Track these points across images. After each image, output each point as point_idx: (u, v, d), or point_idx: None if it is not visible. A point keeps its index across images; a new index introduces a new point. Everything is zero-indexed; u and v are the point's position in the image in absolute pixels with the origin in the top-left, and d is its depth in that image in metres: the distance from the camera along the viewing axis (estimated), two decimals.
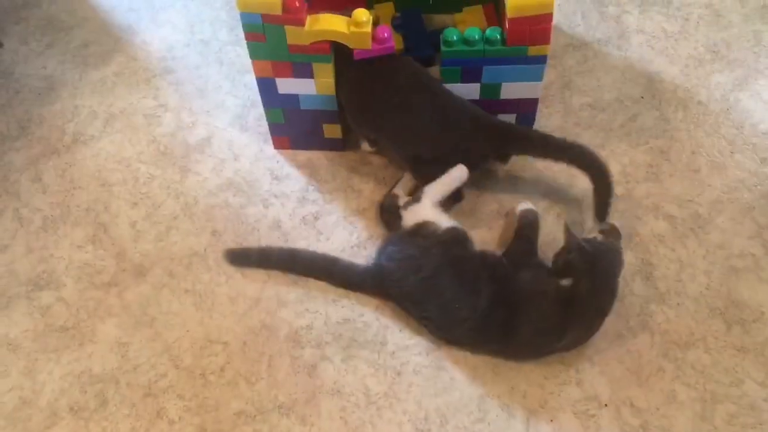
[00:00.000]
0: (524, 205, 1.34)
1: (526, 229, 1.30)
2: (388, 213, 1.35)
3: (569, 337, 1.19)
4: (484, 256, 1.26)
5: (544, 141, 1.31)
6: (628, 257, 1.31)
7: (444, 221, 1.28)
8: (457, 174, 1.30)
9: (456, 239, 1.27)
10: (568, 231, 1.21)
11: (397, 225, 1.32)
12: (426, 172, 1.33)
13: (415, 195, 1.32)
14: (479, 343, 1.23)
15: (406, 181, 1.39)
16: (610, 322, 1.25)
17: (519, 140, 1.33)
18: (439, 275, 1.22)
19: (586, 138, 1.47)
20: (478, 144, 1.31)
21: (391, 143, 1.37)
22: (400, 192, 1.38)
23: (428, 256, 1.24)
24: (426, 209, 1.29)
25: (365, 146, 1.44)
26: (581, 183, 1.40)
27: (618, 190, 1.40)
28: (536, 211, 1.33)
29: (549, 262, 1.24)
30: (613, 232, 1.25)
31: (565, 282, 1.18)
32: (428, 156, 1.32)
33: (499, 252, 1.29)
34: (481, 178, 1.42)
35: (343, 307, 1.29)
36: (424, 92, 1.30)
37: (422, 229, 1.27)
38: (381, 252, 1.30)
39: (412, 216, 1.29)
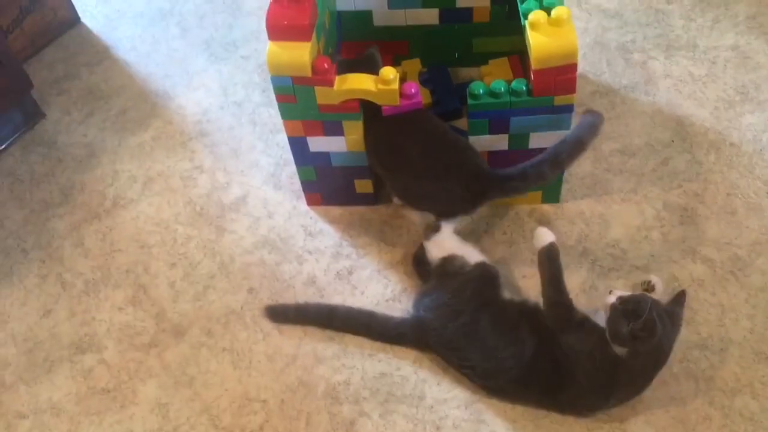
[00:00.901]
0: (540, 240, 1.22)
1: (550, 290, 1.19)
2: (423, 264, 1.36)
3: (615, 398, 1.16)
4: (522, 305, 1.24)
5: (523, 174, 1.26)
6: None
7: (471, 255, 1.28)
8: None
9: (486, 276, 1.26)
10: (652, 305, 1.10)
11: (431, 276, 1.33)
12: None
13: (434, 224, 1.32)
14: (523, 394, 1.21)
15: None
16: None
17: (500, 182, 1.29)
18: (477, 321, 1.21)
19: (618, 183, 1.46)
20: (459, 193, 1.31)
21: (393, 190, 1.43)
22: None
23: (462, 300, 1.23)
24: (448, 238, 1.30)
25: (397, 199, 1.46)
26: (616, 228, 1.40)
27: (653, 234, 1.39)
28: (553, 245, 1.21)
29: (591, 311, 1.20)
30: (680, 298, 1.20)
31: (620, 351, 1.12)
32: (411, 200, 1.39)
33: (537, 303, 1.25)
34: (513, 228, 1.42)
35: (380, 361, 1.29)
36: (415, 142, 1.32)
37: (449, 264, 1.27)
38: (417, 304, 1.30)
39: (435, 248, 1.30)
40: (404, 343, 1.29)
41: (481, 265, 1.27)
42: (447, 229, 1.31)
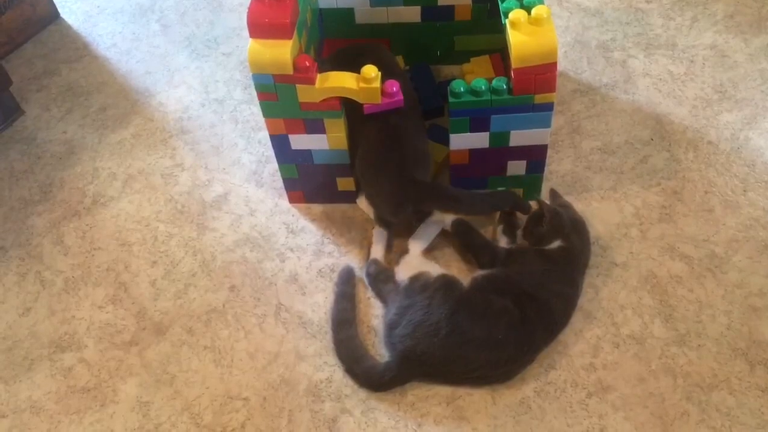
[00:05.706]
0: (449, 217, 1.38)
1: (475, 241, 1.36)
2: (378, 280, 1.35)
3: (580, 280, 1.31)
4: (480, 280, 1.29)
5: (441, 192, 1.35)
6: (646, 299, 1.31)
7: (434, 270, 1.31)
8: (433, 226, 1.39)
9: (449, 283, 1.27)
10: (542, 202, 1.33)
11: (388, 290, 1.32)
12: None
13: (403, 248, 1.37)
14: (533, 346, 1.24)
15: (377, 244, 1.39)
16: (631, 366, 1.24)
17: (421, 192, 1.32)
18: (458, 324, 1.21)
19: (598, 181, 1.48)
20: (388, 191, 1.33)
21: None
22: (379, 256, 1.38)
23: (434, 311, 1.23)
24: (414, 258, 1.34)
25: (359, 201, 1.47)
26: (596, 226, 1.41)
27: (632, 231, 1.40)
28: (462, 219, 1.37)
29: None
30: (554, 194, 1.41)
31: (554, 245, 1.29)
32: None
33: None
34: (494, 225, 1.43)
35: None
36: (378, 131, 1.33)
37: (416, 282, 1.28)
38: (390, 340, 1.26)
39: (405, 267, 1.32)
40: (398, 384, 1.25)
41: (443, 276, 1.28)
42: (415, 250, 1.36)
